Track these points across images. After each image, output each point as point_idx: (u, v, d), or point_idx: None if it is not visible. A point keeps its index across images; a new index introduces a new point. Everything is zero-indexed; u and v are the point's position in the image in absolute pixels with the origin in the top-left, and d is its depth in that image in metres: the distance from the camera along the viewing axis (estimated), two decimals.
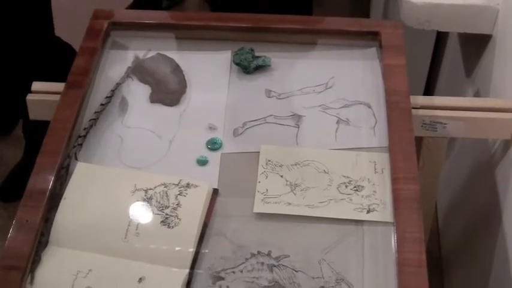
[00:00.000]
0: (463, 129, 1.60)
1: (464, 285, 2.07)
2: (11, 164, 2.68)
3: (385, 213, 1.31)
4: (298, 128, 1.46)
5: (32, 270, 1.23)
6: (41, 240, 1.27)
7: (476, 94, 1.92)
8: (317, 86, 1.54)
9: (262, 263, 1.25)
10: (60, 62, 1.88)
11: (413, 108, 1.51)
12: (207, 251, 1.26)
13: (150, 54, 1.60)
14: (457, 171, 2.16)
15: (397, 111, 1.43)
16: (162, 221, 1.26)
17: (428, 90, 2.56)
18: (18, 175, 2.63)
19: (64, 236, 1.27)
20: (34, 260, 1.24)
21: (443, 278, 2.23)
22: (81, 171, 1.35)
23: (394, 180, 1.33)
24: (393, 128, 1.40)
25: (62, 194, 1.32)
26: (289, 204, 1.32)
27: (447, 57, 2.41)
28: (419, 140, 1.63)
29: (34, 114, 1.61)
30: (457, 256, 2.19)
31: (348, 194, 1.34)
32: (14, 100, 2.36)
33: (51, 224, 1.28)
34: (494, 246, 1.73)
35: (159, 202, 1.29)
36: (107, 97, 1.50)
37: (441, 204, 2.34)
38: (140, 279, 1.20)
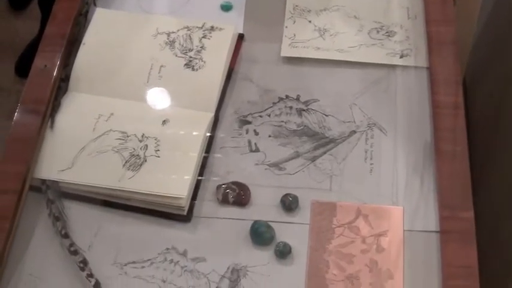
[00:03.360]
0: None
1: (488, 154, 2.02)
2: (28, 39, 2.62)
3: (419, 58, 1.25)
4: None
5: (52, 115, 1.18)
6: (61, 86, 1.22)
7: None
8: None
9: (291, 107, 1.20)
10: None
11: None
12: (233, 95, 1.21)
13: None
14: (490, 30, 2.07)
15: None
16: (185, 64, 1.21)
17: None
18: (34, 50, 2.57)
19: (84, 81, 1.22)
20: (54, 105, 1.20)
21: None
22: (101, 17, 1.29)
23: (429, 22, 1.26)
24: None
25: (80, 40, 1.26)
26: (318, 48, 1.26)
27: None
28: None
29: None
30: (482, 126, 2.13)
31: (380, 39, 1.28)
32: None
33: (71, 70, 1.23)
34: None
35: (182, 45, 1.23)
36: None
37: (469, 71, 2.27)
38: (164, 122, 1.16)
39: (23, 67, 2.53)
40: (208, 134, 1.14)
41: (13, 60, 2.58)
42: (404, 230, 1.08)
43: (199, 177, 1.11)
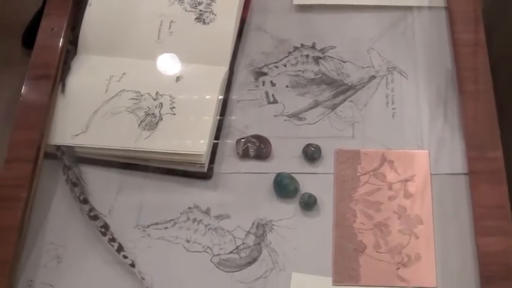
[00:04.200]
0: None
1: (508, 97, 1.98)
2: (33, 11, 2.59)
3: None
4: None
5: (63, 79, 1.15)
6: (69, 49, 1.19)
7: None
8: None
9: (307, 56, 1.16)
10: None
11: None
12: (246, 47, 1.17)
13: None
14: None
15: None
16: (196, 18, 1.17)
17: None
18: (40, 20, 2.53)
19: (93, 43, 1.19)
20: (63, 68, 1.17)
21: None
22: None
23: None
24: None
25: (86, 1, 1.23)
26: None
27: None
28: None
29: None
30: (501, 69, 2.08)
31: None
32: None
33: (78, 32, 1.20)
34: None
35: None
36: None
37: (486, 11, 2.21)
38: (177, 79, 1.12)
39: (30, 39, 2.50)
40: (221, 97, 1.10)
41: (19, 34, 2.55)
42: (431, 174, 1.04)
43: (215, 141, 1.08)
